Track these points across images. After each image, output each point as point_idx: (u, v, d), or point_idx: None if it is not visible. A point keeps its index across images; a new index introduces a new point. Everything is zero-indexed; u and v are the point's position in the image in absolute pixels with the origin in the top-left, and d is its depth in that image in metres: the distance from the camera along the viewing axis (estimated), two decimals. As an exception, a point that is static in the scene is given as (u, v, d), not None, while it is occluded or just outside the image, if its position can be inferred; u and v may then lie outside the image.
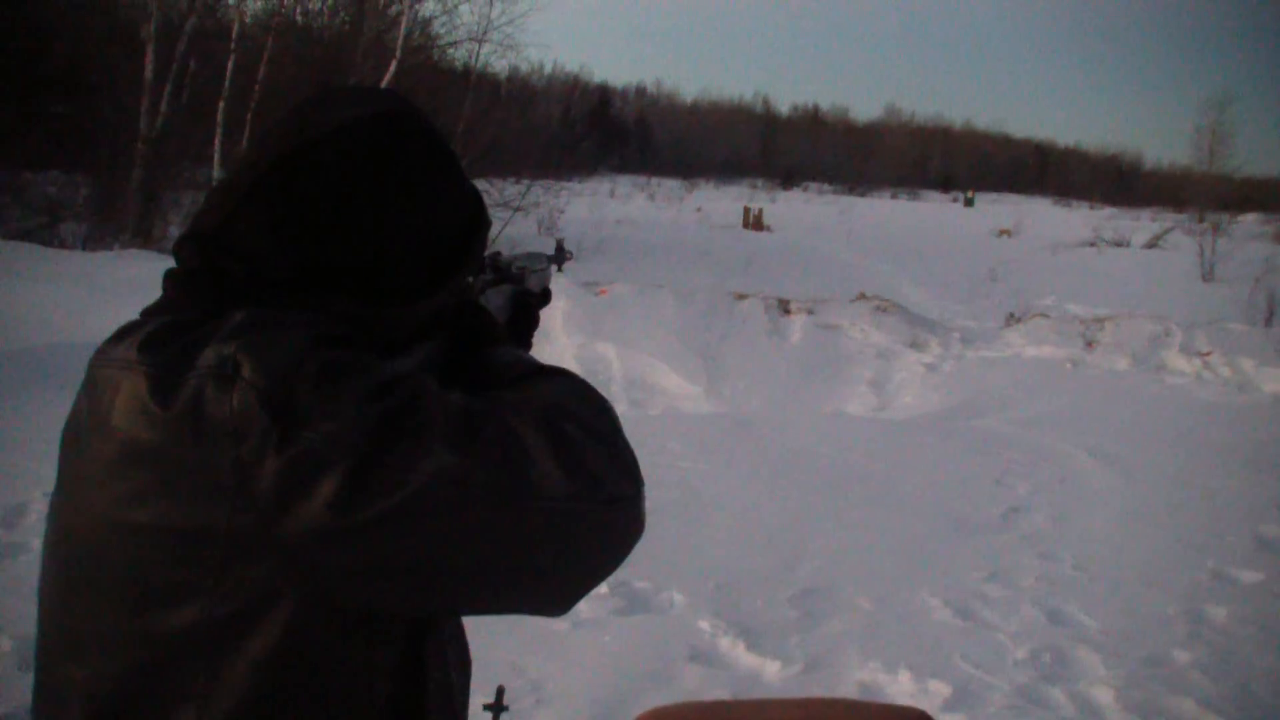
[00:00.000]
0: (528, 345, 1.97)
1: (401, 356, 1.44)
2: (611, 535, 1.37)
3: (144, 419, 1.26)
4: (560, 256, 2.40)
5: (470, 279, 1.74)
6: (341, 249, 1.38)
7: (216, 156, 22.35)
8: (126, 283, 12.50)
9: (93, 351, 1.40)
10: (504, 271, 2.01)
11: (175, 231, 22.65)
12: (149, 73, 21.55)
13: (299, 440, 1.20)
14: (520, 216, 29.07)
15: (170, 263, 1.44)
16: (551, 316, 13.23)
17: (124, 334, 1.36)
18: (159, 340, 1.30)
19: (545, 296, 2.10)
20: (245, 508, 1.20)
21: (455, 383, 1.46)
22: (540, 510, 1.28)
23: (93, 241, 20.48)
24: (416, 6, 26.11)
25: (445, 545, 1.25)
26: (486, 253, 1.87)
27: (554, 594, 1.39)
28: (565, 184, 38.10)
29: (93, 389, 1.35)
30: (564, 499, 1.29)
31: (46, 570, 1.40)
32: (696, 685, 4.88)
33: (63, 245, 19.73)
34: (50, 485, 1.42)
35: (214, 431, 1.22)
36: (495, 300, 1.92)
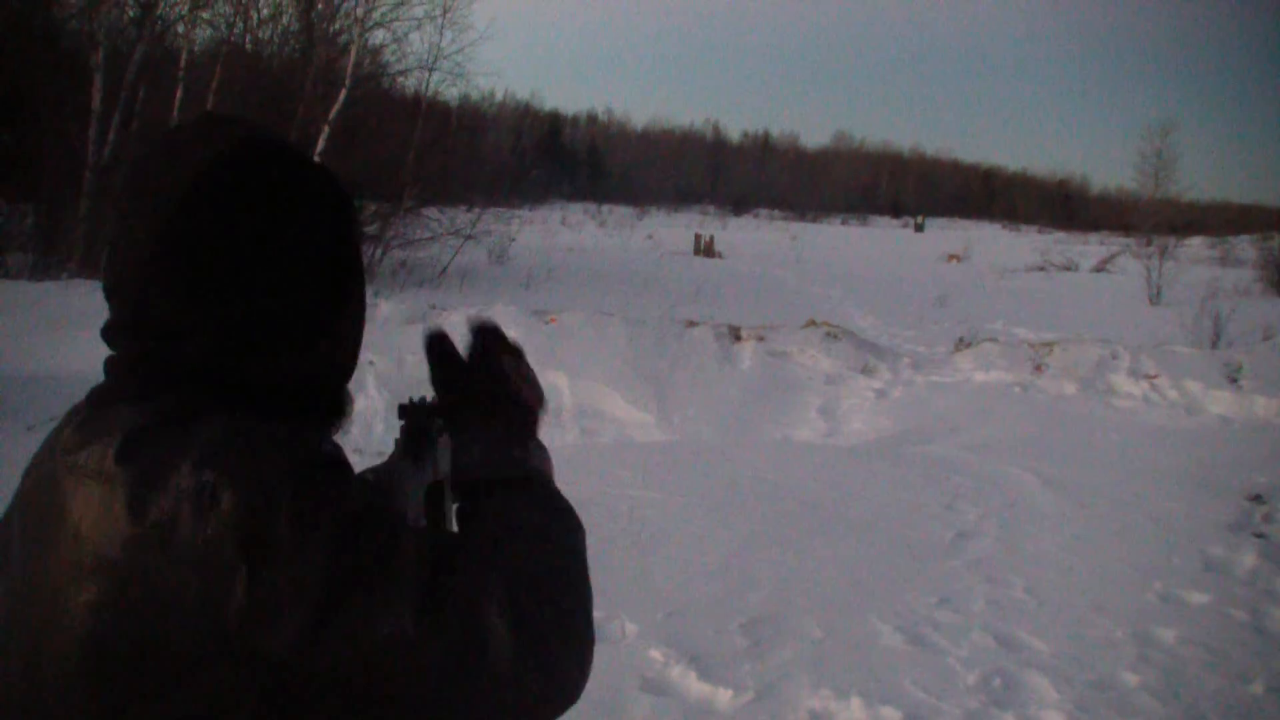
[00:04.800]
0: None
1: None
2: (547, 715, 1.39)
3: (117, 534, 1.26)
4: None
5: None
6: (240, 301, 1.38)
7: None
8: (74, 313, 12.41)
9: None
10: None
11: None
12: (96, 101, 21.43)
13: (266, 582, 1.22)
14: (471, 245, 29.10)
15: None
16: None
17: (90, 433, 1.35)
18: (134, 449, 1.30)
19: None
20: (209, 630, 1.22)
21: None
22: (486, 692, 1.30)
23: (39, 271, 20.35)
24: (366, 35, 26.08)
25: (389, 703, 1.27)
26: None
27: None
28: (516, 212, 38.22)
29: (55, 487, 1.34)
30: (512, 687, 1.31)
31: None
32: (648, 715, 4.87)
33: (9, 275, 19.61)
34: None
35: (185, 557, 1.23)
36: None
